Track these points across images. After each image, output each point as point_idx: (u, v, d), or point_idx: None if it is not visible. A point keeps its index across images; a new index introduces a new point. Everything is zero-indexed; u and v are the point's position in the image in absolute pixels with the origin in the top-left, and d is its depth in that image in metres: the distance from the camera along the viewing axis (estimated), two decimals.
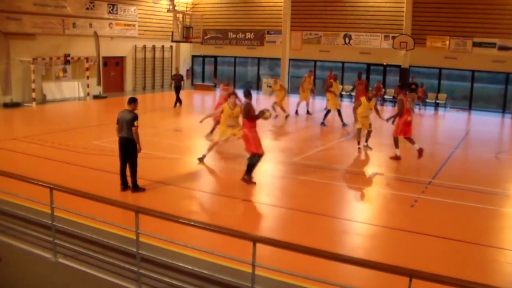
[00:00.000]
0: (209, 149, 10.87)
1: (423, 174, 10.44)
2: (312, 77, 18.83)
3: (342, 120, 15.87)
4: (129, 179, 8.64)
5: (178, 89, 20.12)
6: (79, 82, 21.86)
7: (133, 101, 8.75)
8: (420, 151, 11.49)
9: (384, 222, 7.80)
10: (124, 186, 8.65)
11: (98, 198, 5.84)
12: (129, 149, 8.54)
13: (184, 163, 11.34)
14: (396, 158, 11.57)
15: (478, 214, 8.24)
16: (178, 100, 19.93)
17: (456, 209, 8.37)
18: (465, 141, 15.35)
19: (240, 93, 10.75)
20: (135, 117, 8.43)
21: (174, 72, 22.68)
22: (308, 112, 18.73)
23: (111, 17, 23.60)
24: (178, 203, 8.33)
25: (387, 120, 12.23)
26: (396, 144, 11.58)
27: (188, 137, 13.84)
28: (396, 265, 4.25)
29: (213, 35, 27.85)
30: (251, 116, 9.27)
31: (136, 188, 8.61)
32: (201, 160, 10.81)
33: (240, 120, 10.07)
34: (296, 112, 18.45)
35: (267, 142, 13.98)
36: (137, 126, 8.42)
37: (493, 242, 7.07)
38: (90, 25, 22.37)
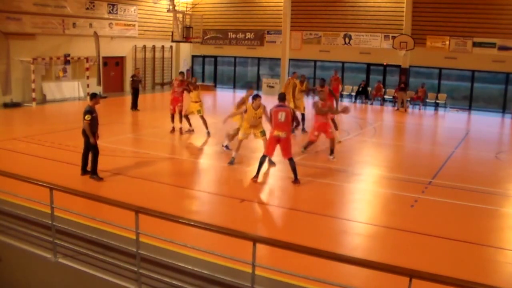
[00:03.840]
0: (236, 150, 10.78)
1: (423, 174, 10.43)
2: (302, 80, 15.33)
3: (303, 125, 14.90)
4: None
5: (136, 92, 18.46)
6: (79, 82, 21.86)
7: (92, 97, 9.38)
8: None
9: (384, 222, 7.80)
10: (83, 171, 9.29)
11: (98, 198, 5.84)
12: (85, 140, 9.18)
13: (184, 163, 11.35)
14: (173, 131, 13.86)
15: (478, 214, 8.24)
16: (135, 104, 18.31)
17: (456, 209, 8.37)
18: (465, 141, 15.35)
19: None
20: (85, 112, 9.00)
21: (133, 73, 20.05)
22: (303, 129, 14.95)
23: (111, 17, 23.60)
24: (178, 203, 8.33)
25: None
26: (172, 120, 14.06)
27: (188, 137, 13.85)
28: (396, 265, 4.25)
29: (213, 35, 27.85)
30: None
31: (92, 174, 9.16)
32: (231, 163, 10.68)
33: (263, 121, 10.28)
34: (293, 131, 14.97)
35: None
36: (87, 120, 8.94)
37: (493, 242, 7.07)
38: (90, 25, 22.37)
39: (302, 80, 15.07)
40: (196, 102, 13.85)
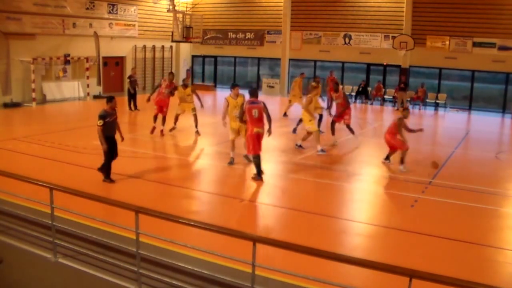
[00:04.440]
0: (232, 149, 10.77)
1: (423, 174, 10.43)
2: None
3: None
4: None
5: (135, 92, 18.44)
6: (79, 82, 21.86)
7: (108, 100, 8.97)
8: None
9: (384, 222, 7.80)
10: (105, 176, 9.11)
11: (98, 198, 5.84)
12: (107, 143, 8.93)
13: (184, 163, 11.34)
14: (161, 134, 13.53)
15: (478, 214, 8.24)
16: (135, 105, 18.33)
17: (456, 209, 8.37)
18: (465, 141, 15.35)
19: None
20: (98, 117, 8.65)
21: (130, 73, 19.81)
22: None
23: (111, 17, 23.61)
24: (178, 203, 8.33)
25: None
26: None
27: (188, 137, 13.83)
28: (396, 265, 4.25)
29: (213, 35, 27.85)
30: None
31: (105, 177, 9.01)
32: (231, 163, 10.67)
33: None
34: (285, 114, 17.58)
35: (267, 142, 13.97)
36: (99, 126, 8.60)
37: (493, 242, 7.07)
38: (90, 25, 22.37)
39: (318, 81, 14.96)
40: (190, 102, 13.81)
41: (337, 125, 13.84)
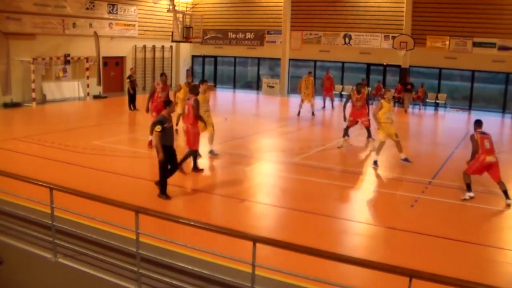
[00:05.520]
0: (210, 143, 11.32)
1: (423, 174, 10.43)
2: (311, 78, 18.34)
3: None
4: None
5: (134, 92, 18.49)
6: (79, 82, 21.85)
7: (166, 104, 8.36)
8: None
9: (384, 222, 7.80)
10: (161, 191, 8.29)
11: (98, 198, 5.84)
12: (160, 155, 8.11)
13: (184, 163, 11.33)
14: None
15: (478, 214, 8.24)
16: (134, 105, 18.19)
17: (456, 209, 8.37)
18: (465, 141, 15.29)
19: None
20: (156, 122, 8.05)
21: (129, 73, 19.74)
22: (312, 113, 17.97)
23: (111, 17, 23.61)
24: (178, 203, 8.33)
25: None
26: None
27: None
28: (396, 265, 4.25)
29: (213, 35, 27.85)
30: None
31: (160, 193, 8.25)
32: (211, 153, 11.34)
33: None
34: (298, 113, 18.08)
35: (268, 141, 14.00)
36: (157, 132, 7.91)
37: (493, 242, 7.08)
38: (90, 25, 22.37)
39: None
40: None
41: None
